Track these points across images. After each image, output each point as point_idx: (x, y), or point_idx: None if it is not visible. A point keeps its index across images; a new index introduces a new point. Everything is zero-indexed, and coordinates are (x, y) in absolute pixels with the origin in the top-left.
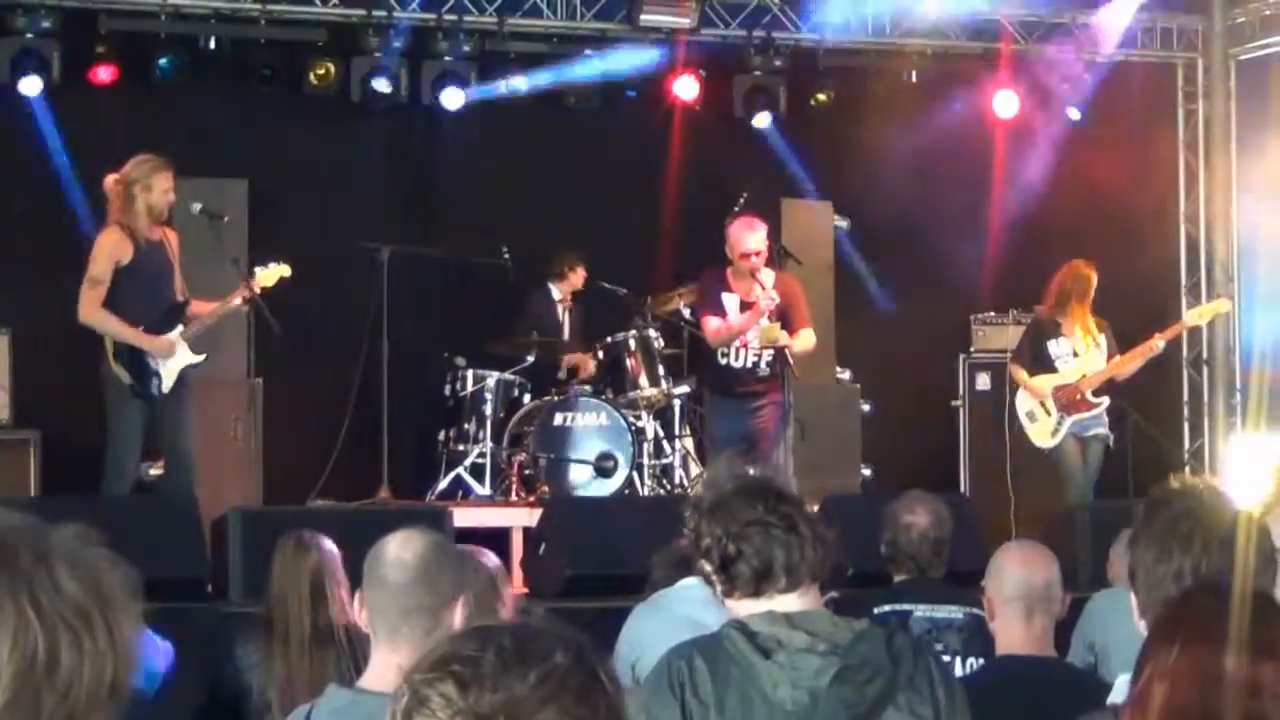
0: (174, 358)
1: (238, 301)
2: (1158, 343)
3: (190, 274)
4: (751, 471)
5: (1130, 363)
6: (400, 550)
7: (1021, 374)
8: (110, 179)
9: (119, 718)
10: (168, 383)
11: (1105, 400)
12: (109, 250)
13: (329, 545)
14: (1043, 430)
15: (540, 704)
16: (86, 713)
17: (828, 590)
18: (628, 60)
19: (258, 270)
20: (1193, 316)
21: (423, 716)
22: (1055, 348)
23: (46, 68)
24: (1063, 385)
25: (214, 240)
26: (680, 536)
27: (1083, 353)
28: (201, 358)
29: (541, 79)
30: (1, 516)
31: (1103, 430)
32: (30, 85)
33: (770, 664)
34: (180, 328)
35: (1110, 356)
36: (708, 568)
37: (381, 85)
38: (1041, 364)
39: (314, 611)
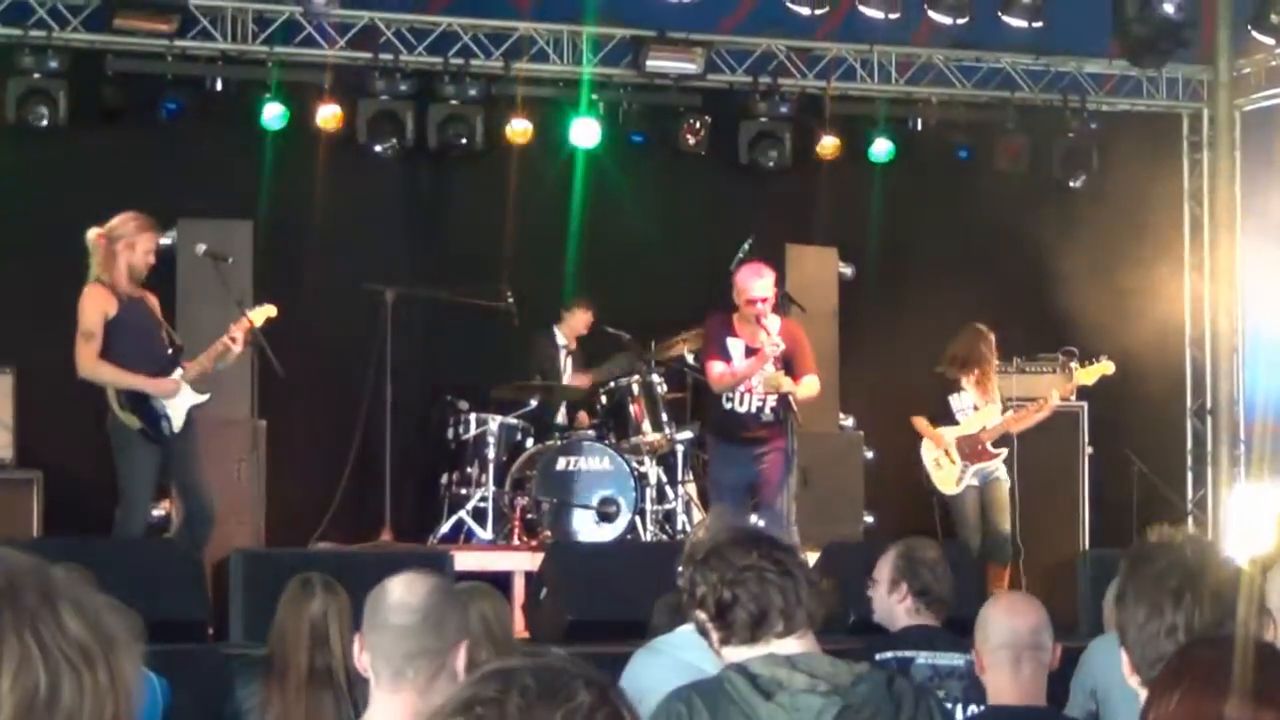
0: (179, 397)
1: (228, 341)
2: (1053, 400)
3: (195, 316)
4: (746, 521)
5: (1028, 419)
6: (405, 594)
7: (924, 424)
8: (94, 233)
9: None
10: (178, 422)
11: (1005, 451)
12: (96, 303)
13: (338, 590)
14: (948, 478)
15: None
16: None
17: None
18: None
19: (247, 312)
20: (1081, 376)
21: None
22: (956, 402)
23: (53, 107)
24: (965, 436)
25: (218, 282)
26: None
27: (982, 407)
28: (206, 396)
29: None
30: (9, 556)
31: (1002, 474)
32: (37, 124)
33: (772, 705)
34: (180, 370)
35: (1004, 411)
36: (702, 616)
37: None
38: (944, 418)
39: (313, 653)
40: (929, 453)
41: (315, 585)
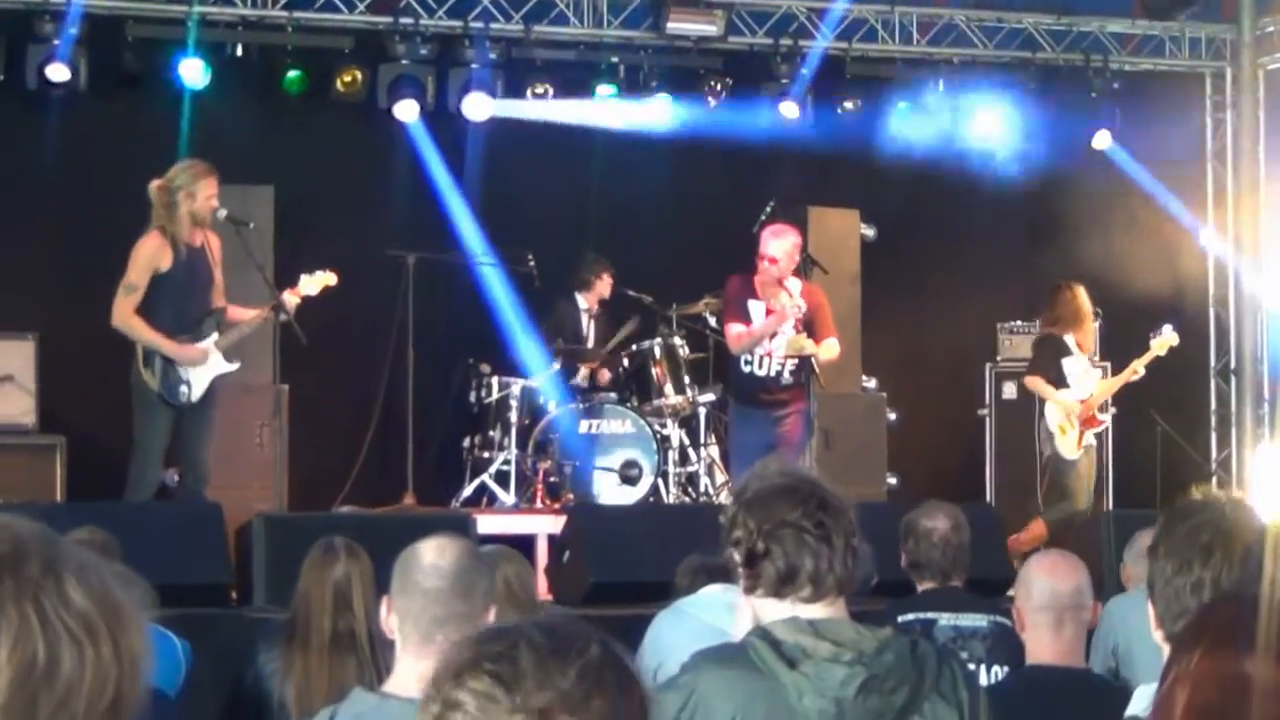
0: (205, 366)
1: (288, 315)
2: (1139, 368)
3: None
4: (801, 471)
5: (1119, 384)
6: (436, 557)
7: (1048, 388)
8: (154, 184)
9: None
10: (197, 391)
11: (1109, 416)
12: (148, 257)
13: (361, 554)
14: (1070, 443)
15: (586, 697)
16: None
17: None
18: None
19: (303, 278)
20: (1157, 347)
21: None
22: (1069, 365)
23: (74, 73)
24: (1081, 400)
25: (240, 247)
26: (703, 545)
27: (1088, 371)
28: (234, 367)
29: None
30: (14, 524)
31: (1094, 442)
32: (59, 90)
33: (796, 674)
34: (215, 335)
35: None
36: (736, 558)
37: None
38: (1058, 381)
39: (335, 617)
40: (1054, 416)
41: (339, 549)
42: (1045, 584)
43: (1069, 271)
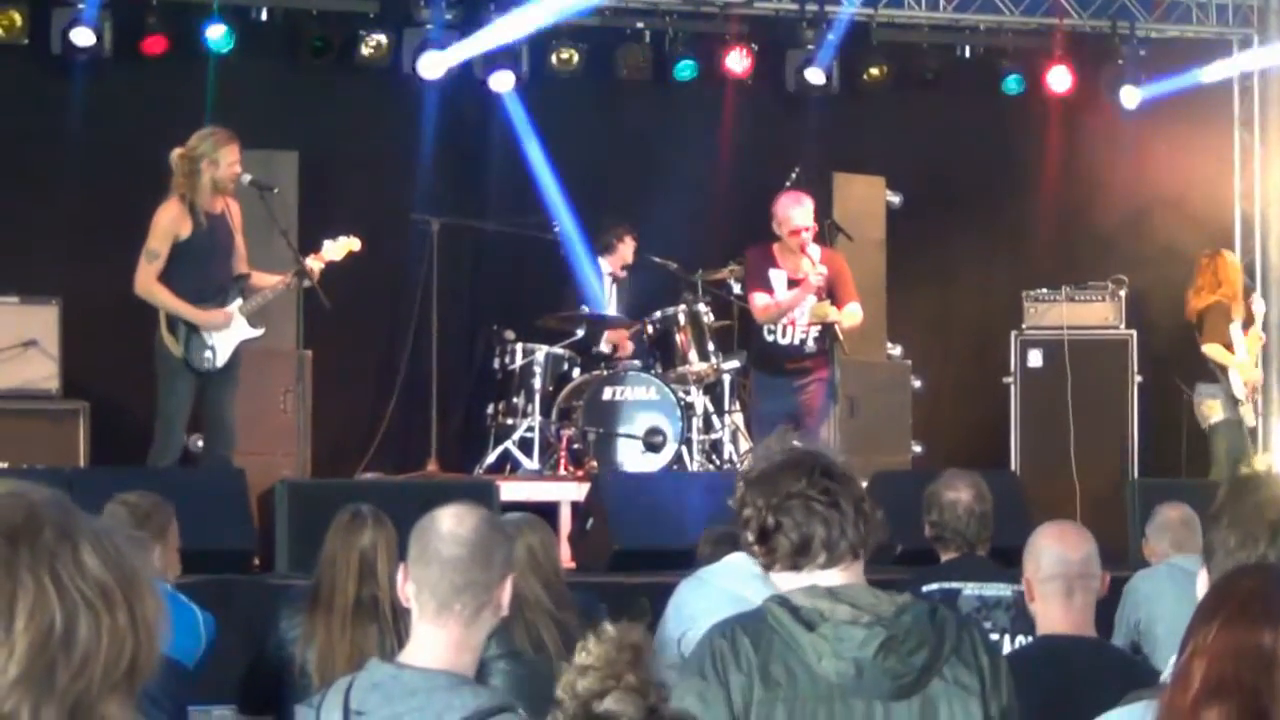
0: (229, 332)
1: (313, 279)
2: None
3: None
4: (801, 445)
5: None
6: (455, 525)
7: (1230, 355)
8: (176, 152)
9: (140, 697)
10: (222, 357)
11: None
12: (167, 224)
13: (386, 522)
14: (1249, 412)
15: None
16: (102, 691)
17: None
18: None
19: (326, 244)
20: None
21: None
22: (1235, 333)
23: (98, 38)
24: (1244, 366)
25: (264, 212)
26: (726, 513)
27: (1245, 342)
28: (259, 332)
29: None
30: (30, 491)
31: None
32: (83, 55)
33: (814, 636)
34: (239, 301)
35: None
36: (749, 538)
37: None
38: (1230, 349)
39: (360, 585)
40: (1237, 384)
41: (366, 516)
42: (1054, 553)
43: (1095, 238)
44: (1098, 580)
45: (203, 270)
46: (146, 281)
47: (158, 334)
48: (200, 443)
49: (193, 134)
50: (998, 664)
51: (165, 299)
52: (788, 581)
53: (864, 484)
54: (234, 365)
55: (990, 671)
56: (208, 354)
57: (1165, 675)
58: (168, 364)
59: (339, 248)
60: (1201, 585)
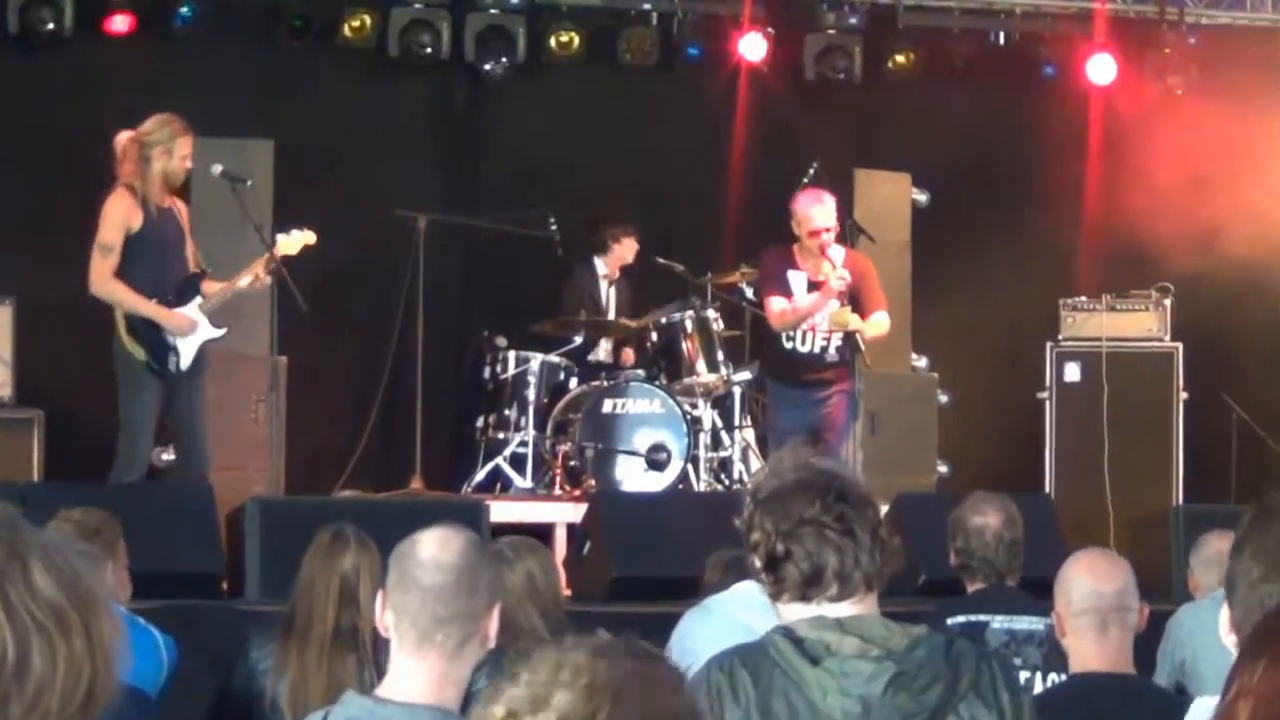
0: (193, 332)
1: (260, 272)
2: None
3: (210, 243)
4: (817, 462)
5: None
6: (438, 551)
7: None
8: (125, 136)
9: None
10: (186, 359)
11: None
12: (119, 215)
13: (370, 546)
14: None
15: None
16: None
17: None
18: None
19: (279, 238)
20: None
21: None
22: None
23: (58, 16)
24: None
25: (236, 206)
26: (736, 537)
27: None
28: (222, 332)
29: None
30: None
31: None
32: (42, 34)
33: (819, 671)
34: (199, 299)
35: None
36: (757, 564)
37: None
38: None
39: (339, 612)
40: None
41: (348, 538)
42: (1086, 585)
43: (1138, 242)
44: (1134, 613)
45: (159, 265)
46: (103, 278)
47: (116, 336)
48: (166, 456)
49: (151, 117)
50: (1020, 702)
51: (125, 296)
52: (795, 613)
53: (884, 507)
54: (200, 368)
55: (1012, 710)
56: (172, 357)
57: (1191, 717)
58: (129, 368)
59: (294, 242)
60: (1223, 623)
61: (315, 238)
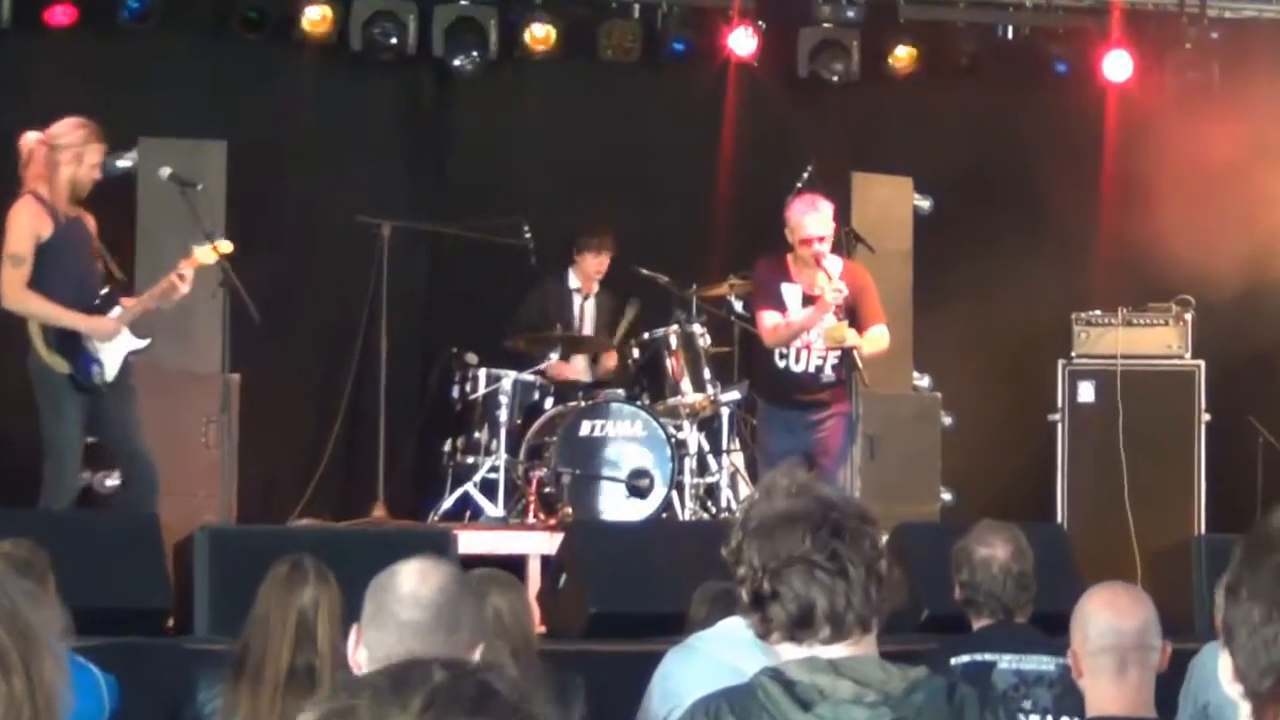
0: (116, 340)
1: (175, 279)
2: None
3: (157, 251)
4: (813, 487)
5: None
6: (417, 585)
7: None
8: (31, 138)
9: None
10: (110, 371)
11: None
12: (28, 223)
13: (331, 580)
14: None
15: None
16: None
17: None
18: None
19: (194, 248)
20: None
21: None
22: None
23: None
24: None
25: (185, 212)
26: (723, 569)
27: None
28: (145, 342)
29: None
30: None
31: None
32: None
33: (811, 717)
34: (119, 309)
35: None
36: (744, 598)
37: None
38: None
39: (295, 650)
40: None
41: (307, 571)
42: (1104, 621)
43: (1157, 252)
44: (1157, 652)
45: (74, 272)
46: (16, 290)
47: (32, 351)
48: (110, 483)
49: (62, 120)
50: None
51: (42, 307)
52: (785, 652)
53: (883, 538)
54: (126, 382)
55: None
56: (96, 368)
57: None
58: (49, 384)
59: (208, 252)
60: (1224, 672)
61: (231, 246)
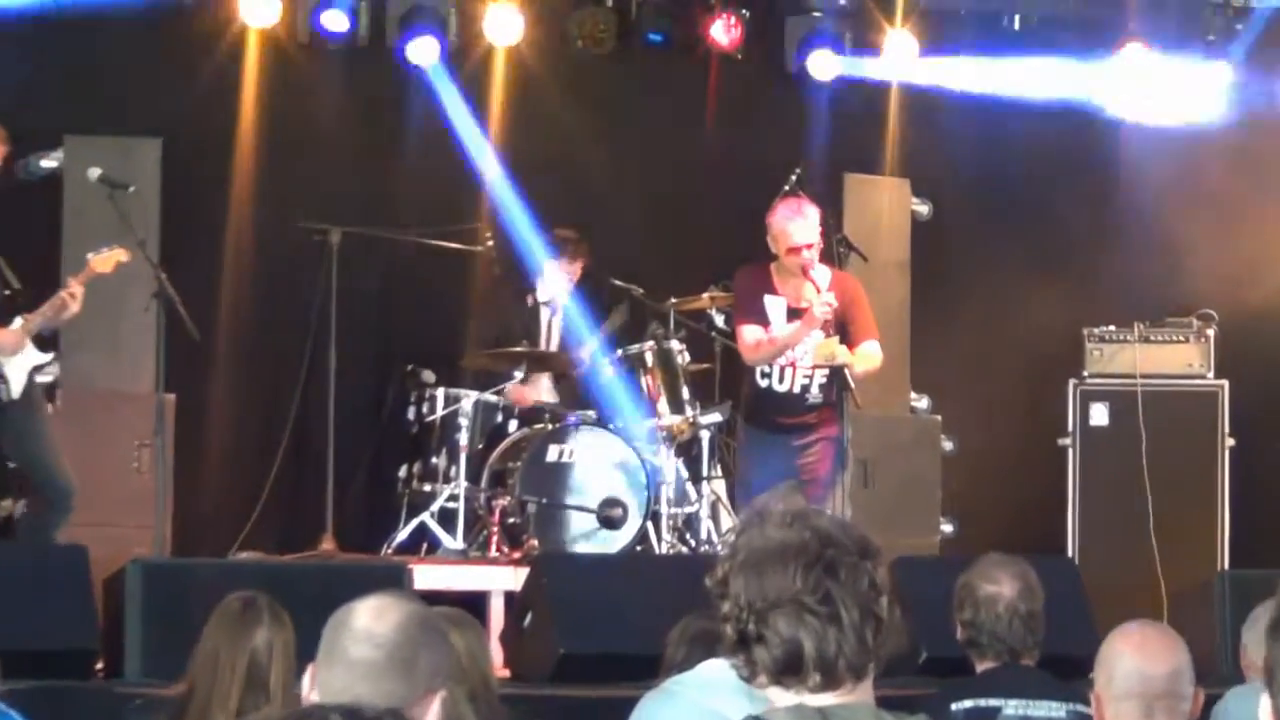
0: (19, 355)
1: (66, 296)
2: None
3: (83, 262)
4: (811, 515)
5: None
6: (371, 621)
7: None
8: None
9: None
10: (16, 387)
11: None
12: None
13: (285, 620)
14: None
15: None
16: None
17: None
18: None
19: (90, 257)
20: None
21: None
22: None
23: None
24: None
25: (116, 216)
26: (703, 606)
27: None
28: (49, 357)
29: None
30: None
31: None
32: None
33: None
34: (20, 320)
35: None
36: (729, 635)
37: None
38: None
39: (244, 695)
40: None
41: (261, 610)
42: (1131, 664)
43: (1178, 262)
44: (1188, 701)
45: None
46: None
47: None
48: (21, 508)
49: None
50: None
51: None
52: (777, 696)
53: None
54: (32, 398)
55: None
56: (1, 386)
57: None
58: None
59: (105, 260)
60: (1266, 715)
61: (128, 255)
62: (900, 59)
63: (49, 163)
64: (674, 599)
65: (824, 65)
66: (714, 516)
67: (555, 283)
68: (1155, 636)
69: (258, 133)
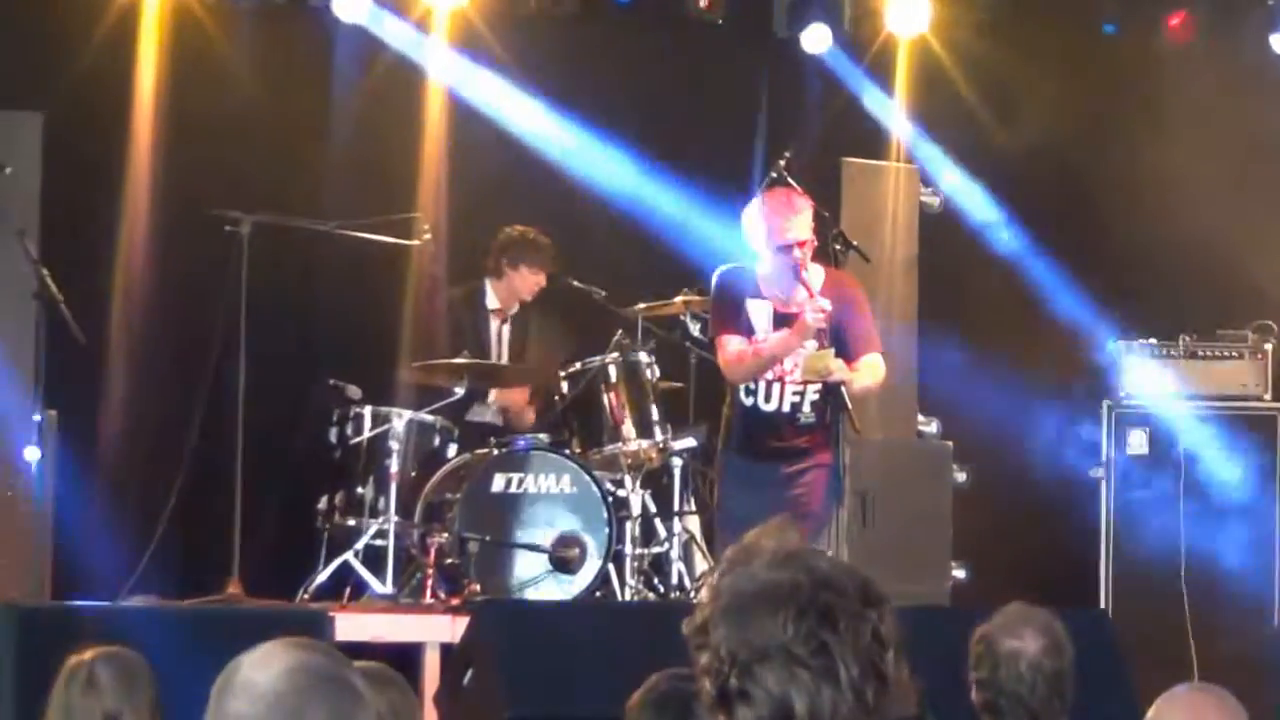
0: None
1: None
2: None
3: None
4: (807, 556)
5: None
6: (254, 670)
7: None
8: None
9: None
10: None
11: None
12: None
13: (140, 676)
14: None
15: None
16: None
17: None
18: None
19: None
20: None
21: None
22: None
23: None
24: None
25: None
26: (673, 662)
27: None
28: None
29: None
30: None
31: None
32: None
33: None
34: None
35: None
36: (709, 691)
37: None
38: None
39: None
40: None
41: (97, 675)
42: None
43: (1229, 265)
44: None
45: None
46: None
47: None
48: None
49: None
50: None
51: None
52: None
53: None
54: None
55: None
56: None
57: None
58: None
59: None
60: None
61: None
62: (904, 29)
63: None
64: (639, 654)
65: (818, 33)
66: (686, 558)
67: (514, 290)
68: (1213, 704)
69: (156, 106)
